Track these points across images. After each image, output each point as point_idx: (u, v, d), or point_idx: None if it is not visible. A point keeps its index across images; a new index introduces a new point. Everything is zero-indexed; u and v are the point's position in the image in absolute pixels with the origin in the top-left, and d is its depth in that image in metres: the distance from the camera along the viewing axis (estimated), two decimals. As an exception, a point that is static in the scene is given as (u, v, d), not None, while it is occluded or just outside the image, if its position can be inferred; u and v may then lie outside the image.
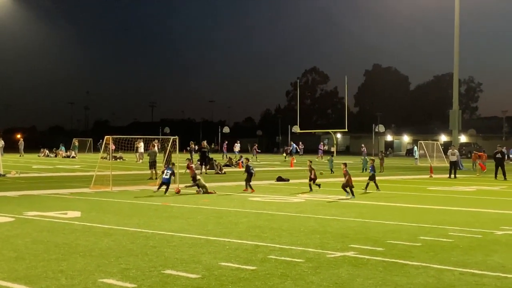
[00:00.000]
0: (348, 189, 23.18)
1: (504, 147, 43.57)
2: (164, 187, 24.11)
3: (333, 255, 11.36)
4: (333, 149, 78.41)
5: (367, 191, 25.65)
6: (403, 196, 24.94)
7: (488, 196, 25.16)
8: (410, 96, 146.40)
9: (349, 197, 22.82)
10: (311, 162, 26.81)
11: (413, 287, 8.97)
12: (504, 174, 36.19)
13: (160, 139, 42.15)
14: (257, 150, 69.63)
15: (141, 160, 54.76)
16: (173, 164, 26.14)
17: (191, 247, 12.12)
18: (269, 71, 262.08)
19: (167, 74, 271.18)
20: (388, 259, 11.04)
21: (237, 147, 69.04)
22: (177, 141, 29.55)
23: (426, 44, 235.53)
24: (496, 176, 36.47)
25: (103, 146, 35.17)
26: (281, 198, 22.60)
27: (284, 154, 68.23)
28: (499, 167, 36.59)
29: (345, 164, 24.29)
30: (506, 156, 44.04)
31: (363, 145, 68.38)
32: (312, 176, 25.91)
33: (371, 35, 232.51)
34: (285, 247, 12.18)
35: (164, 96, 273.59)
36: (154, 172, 32.25)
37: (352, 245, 12.41)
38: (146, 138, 45.13)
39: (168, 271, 9.81)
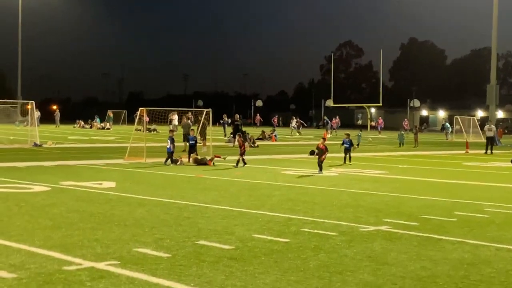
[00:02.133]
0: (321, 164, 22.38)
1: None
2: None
3: (366, 229, 11.32)
4: (373, 123, 78.12)
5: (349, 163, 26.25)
6: (438, 171, 24.72)
7: (525, 173, 24.78)
8: (447, 71, 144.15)
9: (318, 172, 22.00)
10: (348, 135, 27.12)
11: (448, 262, 8.88)
12: None
13: (194, 111, 42.31)
14: (299, 123, 67.27)
15: (175, 132, 55.04)
16: (172, 131, 26.41)
17: (224, 219, 12.17)
18: (303, 45, 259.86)
19: (200, 47, 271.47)
20: (422, 233, 10.95)
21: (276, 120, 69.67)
22: (211, 113, 29.62)
23: (463, 18, 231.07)
24: None
25: (137, 118, 35.42)
26: (314, 171, 22.50)
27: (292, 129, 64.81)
28: None
29: (324, 139, 24.15)
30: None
31: (406, 120, 67.36)
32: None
33: (408, 8, 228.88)
34: (318, 220, 12.16)
35: (198, 70, 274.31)
36: (187, 144, 32.38)
37: (385, 219, 12.33)
38: (180, 110, 45.24)
39: (202, 242, 9.87)
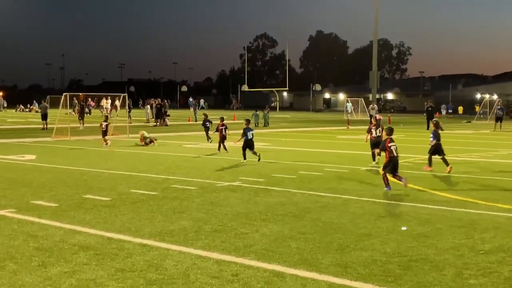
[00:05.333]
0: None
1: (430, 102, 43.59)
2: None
3: (221, 184, 13.06)
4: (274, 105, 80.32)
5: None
6: (312, 143, 26.69)
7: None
8: (348, 59, 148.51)
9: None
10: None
11: (264, 203, 10.72)
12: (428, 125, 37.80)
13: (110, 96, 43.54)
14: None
15: (108, 115, 55.60)
16: (106, 116, 26.75)
17: (114, 180, 13.69)
18: (226, 36, 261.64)
19: (137, 38, 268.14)
20: (262, 186, 12.79)
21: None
22: (126, 98, 30.80)
23: (363, 12, 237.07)
24: (428, 128, 38.09)
25: (63, 102, 36.09)
26: (211, 145, 23.92)
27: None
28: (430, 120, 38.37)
29: (221, 119, 21.40)
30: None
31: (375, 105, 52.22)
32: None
33: (316, 3, 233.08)
34: (188, 180, 13.82)
35: (133, 58, 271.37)
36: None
37: (241, 178, 14.12)
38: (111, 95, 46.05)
39: (87, 196, 11.38)
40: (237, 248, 7.53)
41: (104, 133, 24.16)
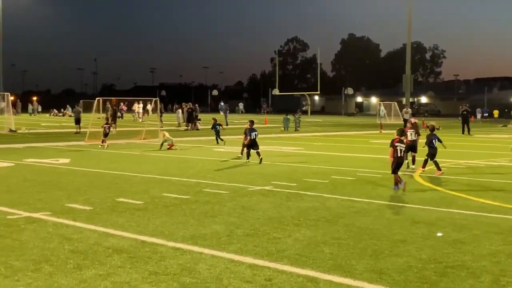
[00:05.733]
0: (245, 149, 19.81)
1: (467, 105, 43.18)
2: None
3: (252, 189, 13.09)
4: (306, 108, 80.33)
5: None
6: (344, 147, 26.59)
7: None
8: (381, 62, 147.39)
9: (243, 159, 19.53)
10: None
11: (297, 208, 10.71)
12: (468, 130, 38.05)
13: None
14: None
15: (140, 119, 56.24)
16: (107, 118, 27.27)
17: (146, 183, 13.82)
18: (258, 41, 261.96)
19: (168, 43, 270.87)
20: (293, 191, 12.78)
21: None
22: (158, 102, 31.15)
23: (396, 14, 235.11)
24: (463, 132, 38.09)
25: (96, 106, 36.70)
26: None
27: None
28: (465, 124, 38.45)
29: (251, 122, 20.32)
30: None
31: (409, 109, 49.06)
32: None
33: (348, 6, 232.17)
34: (219, 183, 13.87)
35: (164, 63, 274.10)
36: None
37: (273, 182, 14.12)
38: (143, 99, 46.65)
39: (120, 199, 11.51)
40: (270, 253, 7.53)
41: (105, 135, 25.38)
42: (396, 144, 13.07)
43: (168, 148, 23.88)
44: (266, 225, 9.20)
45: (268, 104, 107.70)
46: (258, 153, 18.80)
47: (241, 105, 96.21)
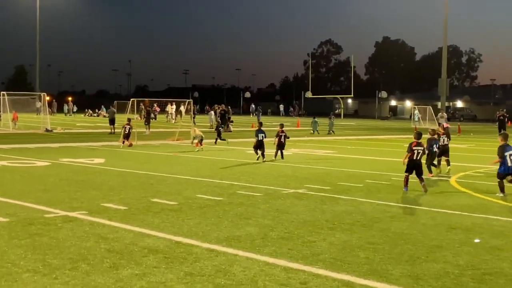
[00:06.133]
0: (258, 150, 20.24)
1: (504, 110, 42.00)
2: None
3: (286, 191, 13.08)
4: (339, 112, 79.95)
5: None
6: (377, 151, 26.36)
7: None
8: (416, 66, 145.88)
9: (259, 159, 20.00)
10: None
11: (332, 212, 10.67)
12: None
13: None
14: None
15: (173, 120, 56.67)
16: (129, 119, 27.56)
17: (180, 184, 13.93)
18: (291, 43, 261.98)
19: (200, 45, 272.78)
20: (327, 194, 12.73)
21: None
22: (191, 104, 31.44)
23: (430, 17, 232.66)
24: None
25: (130, 107, 37.16)
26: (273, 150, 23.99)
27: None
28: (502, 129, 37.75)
29: (281, 125, 21.47)
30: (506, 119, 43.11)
31: (444, 113, 50.73)
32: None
33: (383, 10, 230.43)
34: (253, 186, 13.91)
35: (197, 64, 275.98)
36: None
37: (306, 185, 14.09)
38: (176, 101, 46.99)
39: (155, 200, 11.63)
40: (305, 256, 7.52)
41: (127, 135, 26.27)
42: (414, 148, 13.52)
43: (197, 145, 24.20)
44: (301, 228, 9.19)
45: (301, 107, 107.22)
46: (263, 154, 19.94)
47: (281, 107, 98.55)
